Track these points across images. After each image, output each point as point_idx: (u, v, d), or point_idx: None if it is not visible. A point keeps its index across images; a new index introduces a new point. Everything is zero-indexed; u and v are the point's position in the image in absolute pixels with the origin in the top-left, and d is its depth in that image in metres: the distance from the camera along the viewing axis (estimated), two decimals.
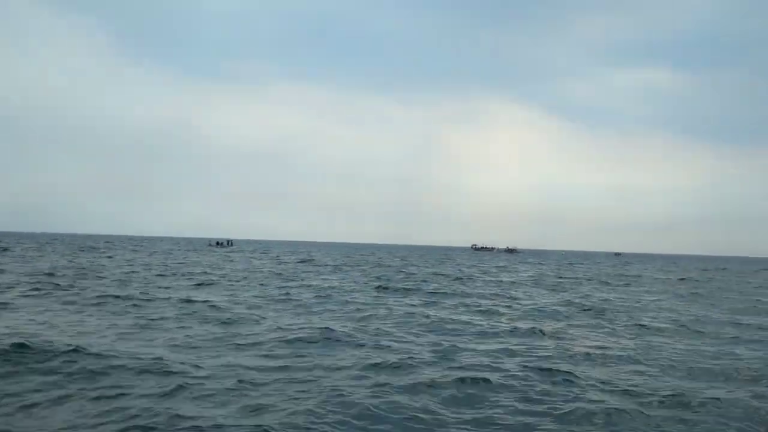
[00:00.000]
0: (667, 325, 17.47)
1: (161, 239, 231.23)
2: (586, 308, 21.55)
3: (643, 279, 45.31)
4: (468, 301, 22.97)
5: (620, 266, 75.20)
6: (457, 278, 37.18)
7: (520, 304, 22.57)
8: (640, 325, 17.29)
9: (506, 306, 21.63)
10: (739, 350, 13.57)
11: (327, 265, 50.13)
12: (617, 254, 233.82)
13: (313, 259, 61.21)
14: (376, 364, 10.43)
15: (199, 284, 26.26)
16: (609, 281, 40.13)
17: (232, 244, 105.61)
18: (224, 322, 15.13)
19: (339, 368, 10.23)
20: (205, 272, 34.70)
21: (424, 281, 33.11)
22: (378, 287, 27.69)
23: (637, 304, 23.97)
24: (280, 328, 14.42)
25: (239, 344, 12.23)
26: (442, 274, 41.06)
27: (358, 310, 18.85)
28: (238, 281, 28.85)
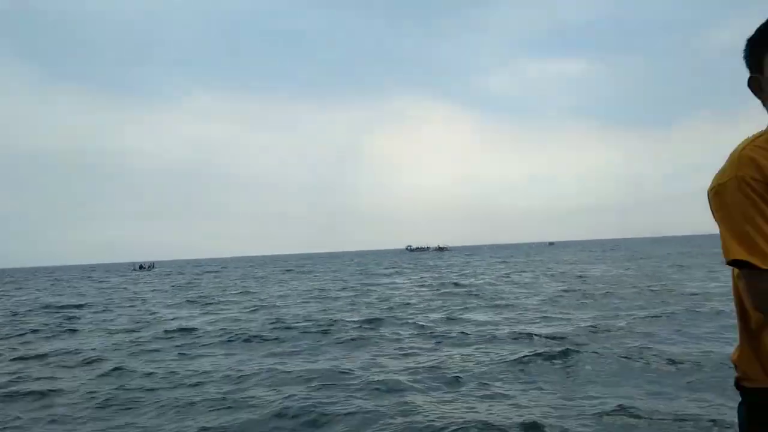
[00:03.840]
0: None
1: (79, 267, 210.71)
2: None
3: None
4: None
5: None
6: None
7: None
8: None
9: None
10: None
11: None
12: (551, 243, 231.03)
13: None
14: None
15: None
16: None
17: (154, 267, 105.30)
18: None
19: None
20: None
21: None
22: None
23: None
24: None
25: None
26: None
27: None
28: None
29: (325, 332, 13.54)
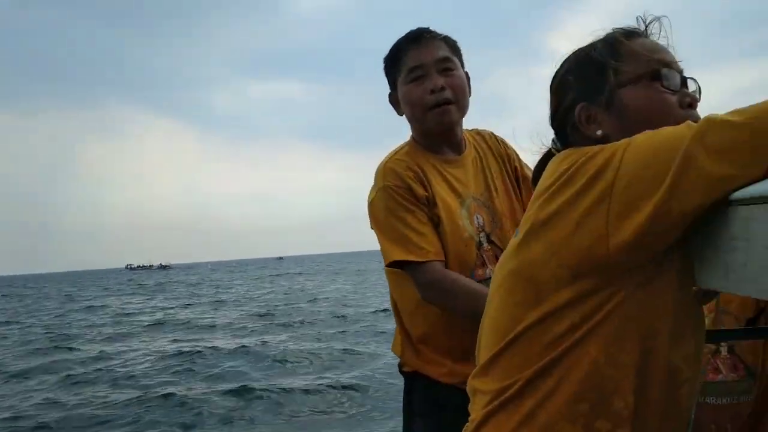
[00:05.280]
0: None
1: None
2: None
3: None
4: None
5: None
6: None
7: None
8: None
9: None
10: None
11: None
12: (280, 258, 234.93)
13: None
14: None
15: None
16: None
17: None
18: None
19: None
20: None
21: None
22: None
23: None
24: None
25: None
26: None
27: None
28: None
29: None
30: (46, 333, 17.87)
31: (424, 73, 1.68)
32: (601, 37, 1.08)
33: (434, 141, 1.75)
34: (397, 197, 1.64)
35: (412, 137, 1.80)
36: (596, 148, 0.93)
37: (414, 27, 1.76)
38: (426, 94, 1.67)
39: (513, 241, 1.02)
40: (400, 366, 1.82)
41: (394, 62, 1.76)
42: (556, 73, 1.12)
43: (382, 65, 1.83)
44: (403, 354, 1.78)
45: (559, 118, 1.10)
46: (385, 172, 1.70)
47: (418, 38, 1.72)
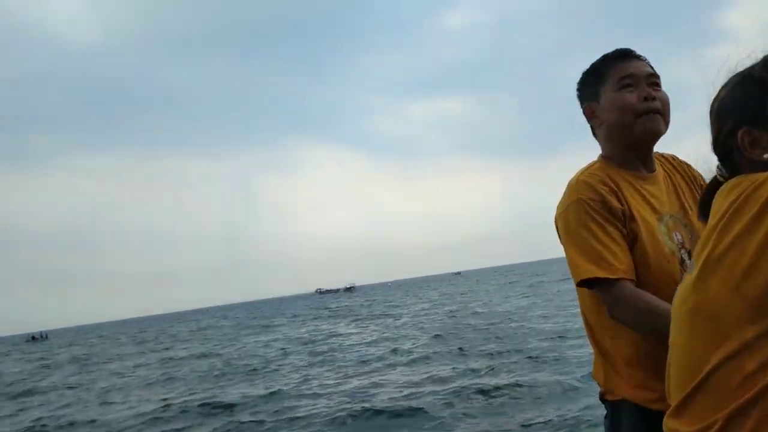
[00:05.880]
0: None
1: None
2: None
3: None
4: None
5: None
6: None
7: None
8: None
9: None
10: None
11: None
12: (457, 273, 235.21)
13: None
14: None
15: None
16: None
17: (46, 337, 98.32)
18: None
19: None
20: None
21: None
22: None
23: None
24: None
25: None
26: None
27: None
28: None
29: None
30: (230, 364, 18.44)
31: (635, 83, 1.70)
32: (759, 59, 1.02)
33: (631, 156, 1.74)
34: (591, 211, 1.61)
35: (602, 156, 1.79)
36: (764, 175, 0.90)
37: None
38: (639, 101, 1.68)
39: (688, 279, 0.99)
40: (602, 394, 1.70)
41: (599, 74, 1.78)
42: (715, 97, 1.08)
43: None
44: (607, 381, 1.67)
45: (721, 143, 1.06)
46: (578, 185, 1.68)
47: (627, 54, 1.75)
